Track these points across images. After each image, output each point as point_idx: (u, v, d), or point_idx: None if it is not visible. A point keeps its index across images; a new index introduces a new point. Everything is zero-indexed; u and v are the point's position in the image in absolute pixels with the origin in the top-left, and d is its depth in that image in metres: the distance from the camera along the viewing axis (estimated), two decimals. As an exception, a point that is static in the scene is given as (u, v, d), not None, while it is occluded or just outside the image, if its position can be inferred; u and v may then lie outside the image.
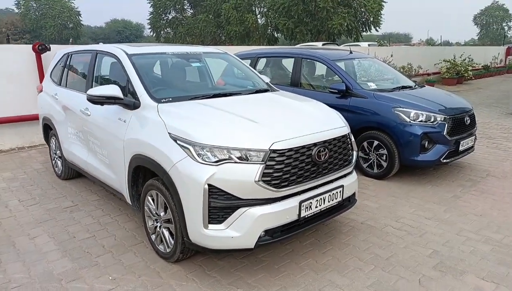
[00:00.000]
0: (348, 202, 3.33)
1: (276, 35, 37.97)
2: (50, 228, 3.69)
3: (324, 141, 2.92)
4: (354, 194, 3.38)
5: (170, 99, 3.30)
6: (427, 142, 4.68)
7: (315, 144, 2.85)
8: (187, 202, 2.65)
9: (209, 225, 2.62)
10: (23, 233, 3.60)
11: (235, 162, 2.59)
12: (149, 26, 43.79)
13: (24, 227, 3.73)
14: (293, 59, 5.97)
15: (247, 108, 3.24)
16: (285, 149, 2.68)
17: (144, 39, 59.04)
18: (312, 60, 5.78)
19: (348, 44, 21.04)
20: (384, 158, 4.87)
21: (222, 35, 40.50)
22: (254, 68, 6.49)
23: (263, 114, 3.12)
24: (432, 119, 4.70)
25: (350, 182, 3.23)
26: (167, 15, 43.10)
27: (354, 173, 3.38)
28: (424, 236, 3.52)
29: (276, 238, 2.75)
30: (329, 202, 3.01)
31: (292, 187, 2.74)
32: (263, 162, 2.60)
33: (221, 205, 2.59)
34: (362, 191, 4.59)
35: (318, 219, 3.00)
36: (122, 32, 64.00)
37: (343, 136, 3.11)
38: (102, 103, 3.30)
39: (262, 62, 6.60)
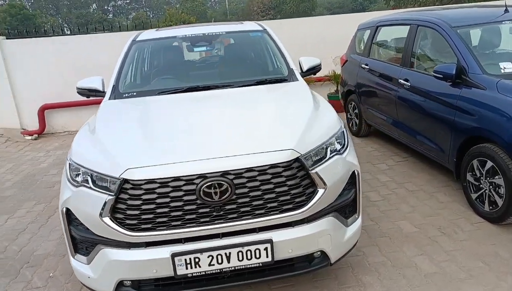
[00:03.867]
0: (306, 264, 2.16)
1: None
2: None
3: (223, 174, 1.92)
4: (323, 254, 2.15)
5: (134, 94, 2.95)
6: None
7: (203, 177, 1.91)
8: None
9: (76, 255, 2.21)
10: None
11: (90, 188, 2.04)
12: (380, -10, 41.33)
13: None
14: (408, 27, 4.26)
15: (176, 115, 2.55)
16: (142, 180, 1.91)
17: (377, 4, 56.28)
18: (428, 28, 3.94)
19: None
20: (501, 191, 2.91)
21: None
22: (372, 40, 5.08)
23: (180, 125, 2.39)
24: None
25: (298, 235, 2.05)
26: (401, -25, 39.36)
27: (325, 221, 2.12)
28: None
29: (144, 293, 2.07)
30: (240, 261, 2.01)
31: (161, 232, 1.95)
32: (112, 194, 1.94)
33: (79, 236, 2.12)
34: (437, 238, 2.92)
35: (227, 281, 2.08)
36: (357, -1, 62.96)
37: (273, 165, 1.96)
38: (88, 96, 3.25)
39: (383, 32, 5.03)
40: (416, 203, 3.52)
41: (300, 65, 3.32)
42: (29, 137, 7.21)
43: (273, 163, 1.96)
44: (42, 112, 7.28)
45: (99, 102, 7.46)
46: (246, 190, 1.96)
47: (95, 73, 7.51)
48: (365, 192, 3.79)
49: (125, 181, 1.92)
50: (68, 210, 2.13)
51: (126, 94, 2.93)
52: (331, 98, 7.33)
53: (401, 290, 2.43)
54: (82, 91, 3.20)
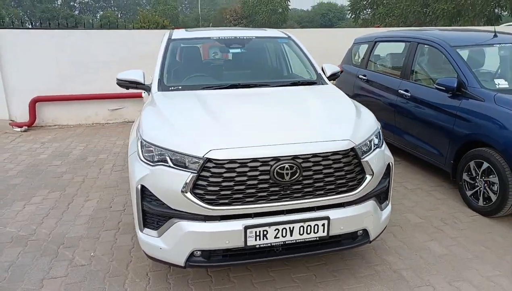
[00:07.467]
0: (350, 240, 2.49)
1: (499, 13, 31.24)
2: (105, 195, 4.17)
3: (294, 157, 2.22)
4: (365, 232, 2.49)
5: (180, 87, 3.17)
6: None
7: (276, 159, 2.20)
8: (131, 199, 2.50)
9: (145, 229, 2.41)
10: (85, 195, 4.18)
11: (169, 166, 2.26)
12: (349, 8, 43.18)
13: (91, 190, 4.32)
14: (408, 44, 4.77)
15: (236, 106, 2.81)
16: (225, 160, 2.17)
17: (345, 21, 58.73)
18: (428, 46, 4.46)
19: None
20: (495, 188, 3.40)
21: (428, 15, 36.14)
22: (370, 54, 5.56)
23: (244, 114, 2.65)
24: None
25: (349, 214, 2.38)
26: (369, -5, 41.40)
27: (368, 203, 2.47)
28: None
29: (214, 262, 2.31)
30: (301, 234, 2.31)
31: (236, 206, 2.21)
32: (195, 171, 2.18)
33: (153, 211, 2.33)
34: (441, 227, 3.36)
35: (284, 253, 2.36)
36: (326, 14, 65.17)
37: (334, 153, 2.29)
38: (127, 87, 3.42)
39: (380, 48, 5.53)
40: (417, 199, 3.97)
41: (323, 71, 3.68)
42: (18, 129, 7.08)
43: (335, 151, 2.29)
44: (33, 104, 7.18)
45: (97, 97, 7.51)
46: (311, 172, 2.26)
47: (92, 68, 7.61)
48: (370, 189, 4.20)
49: (208, 160, 2.17)
50: (143, 187, 2.33)
51: (172, 88, 3.15)
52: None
53: (421, 267, 2.81)
54: (122, 83, 3.36)
